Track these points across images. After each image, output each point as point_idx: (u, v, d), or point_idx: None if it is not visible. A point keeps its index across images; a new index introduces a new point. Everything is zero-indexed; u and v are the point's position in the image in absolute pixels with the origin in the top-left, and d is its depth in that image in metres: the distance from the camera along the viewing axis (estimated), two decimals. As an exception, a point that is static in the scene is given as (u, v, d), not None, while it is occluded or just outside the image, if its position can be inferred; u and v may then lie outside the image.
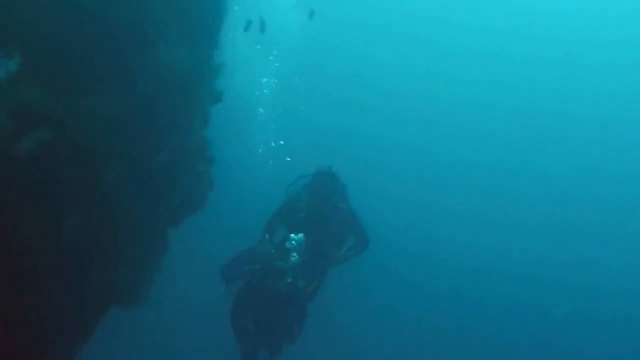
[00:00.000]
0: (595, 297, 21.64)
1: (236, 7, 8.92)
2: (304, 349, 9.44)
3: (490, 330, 19.42)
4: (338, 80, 28.39)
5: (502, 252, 23.01)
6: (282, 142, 15.85)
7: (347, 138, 25.60)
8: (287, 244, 8.63)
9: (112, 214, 6.79)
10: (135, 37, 6.65)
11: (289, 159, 15.09)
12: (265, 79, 15.89)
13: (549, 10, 29.71)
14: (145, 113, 6.88)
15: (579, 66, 29.35)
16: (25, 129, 5.77)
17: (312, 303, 9.02)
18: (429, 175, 26.41)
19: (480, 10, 30.24)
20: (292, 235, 8.66)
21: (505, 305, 20.81)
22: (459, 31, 30.72)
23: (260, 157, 16.49)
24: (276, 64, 15.64)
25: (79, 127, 6.27)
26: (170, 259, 8.66)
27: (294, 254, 8.45)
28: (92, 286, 7.05)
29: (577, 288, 21.60)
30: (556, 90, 29.28)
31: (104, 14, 6.29)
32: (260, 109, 16.11)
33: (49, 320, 6.64)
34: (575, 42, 29.80)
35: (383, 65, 30.01)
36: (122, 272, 7.43)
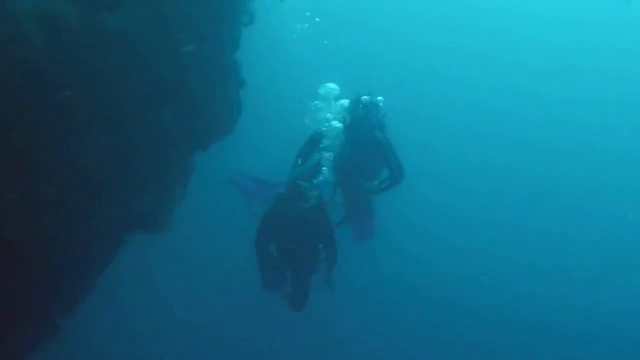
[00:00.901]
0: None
1: None
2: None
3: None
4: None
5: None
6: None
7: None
8: (314, 163, 8.55)
9: (137, 137, 6.53)
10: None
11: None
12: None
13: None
14: (175, 31, 6.51)
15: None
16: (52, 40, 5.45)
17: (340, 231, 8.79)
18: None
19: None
20: (324, 153, 8.54)
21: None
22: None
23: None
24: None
25: (104, 44, 5.96)
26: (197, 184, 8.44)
27: (320, 176, 8.32)
28: (117, 210, 6.87)
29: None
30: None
31: None
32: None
33: (74, 244, 6.54)
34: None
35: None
36: (148, 196, 7.25)
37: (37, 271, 6.33)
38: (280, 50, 19.98)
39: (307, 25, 18.85)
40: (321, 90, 8.98)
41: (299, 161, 8.71)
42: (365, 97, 8.67)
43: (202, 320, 16.26)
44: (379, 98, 8.81)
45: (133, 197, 6.95)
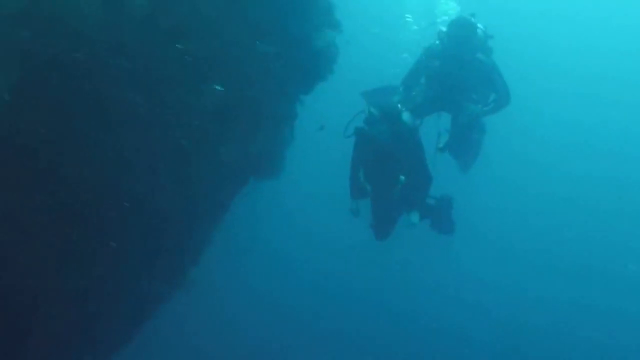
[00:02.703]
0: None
1: None
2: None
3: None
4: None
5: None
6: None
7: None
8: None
9: (246, 81, 6.87)
10: None
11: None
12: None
13: None
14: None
15: None
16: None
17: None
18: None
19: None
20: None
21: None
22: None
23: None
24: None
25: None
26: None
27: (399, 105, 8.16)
28: (228, 155, 7.25)
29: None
30: None
31: None
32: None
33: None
34: None
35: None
36: (259, 139, 7.61)
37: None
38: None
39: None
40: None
41: (401, 88, 8.73)
42: (464, 16, 8.55)
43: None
44: (481, 25, 8.62)
45: (247, 140, 7.29)
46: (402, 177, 8.10)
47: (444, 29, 8.61)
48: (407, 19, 9.19)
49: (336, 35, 8.28)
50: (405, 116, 7.99)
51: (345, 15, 7.95)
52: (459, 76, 8.52)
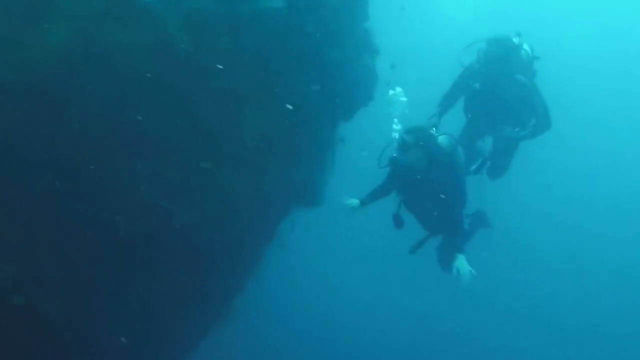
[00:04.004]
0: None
1: None
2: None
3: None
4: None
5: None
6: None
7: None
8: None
9: (286, 109, 6.96)
10: None
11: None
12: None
13: None
14: (310, 7, 6.86)
15: None
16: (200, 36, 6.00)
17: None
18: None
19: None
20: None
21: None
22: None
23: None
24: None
25: (248, 31, 6.42)
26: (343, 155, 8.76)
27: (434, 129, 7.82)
28: (273, 186, 7.33)
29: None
30: None
31: None
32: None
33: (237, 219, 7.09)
34: None
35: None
36: (299, 171, 7.66)
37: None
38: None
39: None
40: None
41: (438, 110, 8.52)
42: (503, 34, 8.28)
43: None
44: (527, 45, 8.35)
45: (289, 169, 7.37)
46: (442, 196, 7.72)
47: (483, 47, 8.34)
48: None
49: (375, 60, 8.40)
50: (442, 140, 7.69)
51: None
52: (498, 97, 8.26)
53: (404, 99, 8.28)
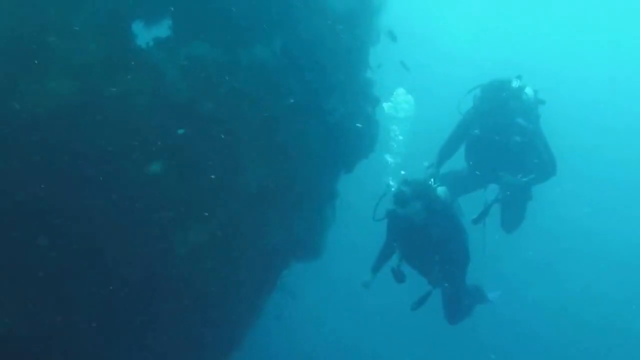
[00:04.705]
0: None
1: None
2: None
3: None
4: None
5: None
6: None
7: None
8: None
9: (288, 163, 6.88)
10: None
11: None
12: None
13: None
14: (310, 58, 6.86)
15: None
16: (200, 86, 5.98)
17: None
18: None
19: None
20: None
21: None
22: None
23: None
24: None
25: (247, 79, 6.40)
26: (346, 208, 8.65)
27: (432, 180, 7.68)
28: (270, 238, 7.21)
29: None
30: None
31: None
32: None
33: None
34: None
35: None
36: (299, 223, 7.55)
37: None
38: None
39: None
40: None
41: (435, 161, 8.37)
42: (499, 79, 8.08)
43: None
44: (529, 89, 8.07)
45: (289, 220, 7.26)
46: (437, 258, 7.64)
47: (478, 93, 8.22)
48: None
49: (376, 111, 8.37)
50: (441, 191, 7.52)
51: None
52: (498, 143, 8.04)
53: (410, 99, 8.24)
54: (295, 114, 6.98)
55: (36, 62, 5.16)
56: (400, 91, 8.67)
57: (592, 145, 25.25)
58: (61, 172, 5.37)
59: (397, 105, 8.83)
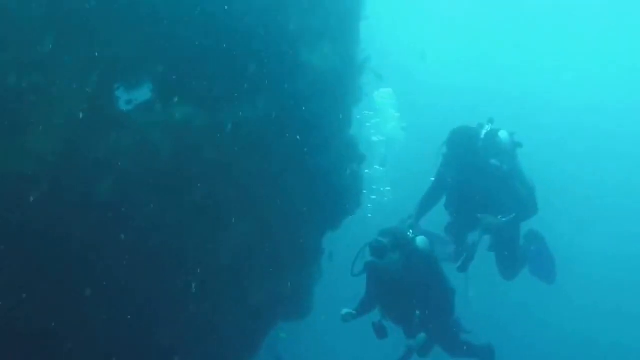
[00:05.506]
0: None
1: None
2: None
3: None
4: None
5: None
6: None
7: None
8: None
9: (273, 220, 6.85)
10: (277, 41, 6.72)
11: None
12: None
13: None
14: (295, 117, 6.92)
15: None
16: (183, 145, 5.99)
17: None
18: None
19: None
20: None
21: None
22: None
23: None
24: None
25: (230, 138, 6.42)
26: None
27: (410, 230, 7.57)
28: (255, 297, 7.14)
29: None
30: None
31: (243, 24, 6.38)
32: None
33: (219, 332, 6.86)
34: None
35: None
36: (283, 282, 7.49)
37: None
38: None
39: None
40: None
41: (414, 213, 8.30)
42: (464, 125, 8.12)
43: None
44: (504, 132, 8.09)
45: (273, 282, 7.20)
46: (417, 313, 7.39)
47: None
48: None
49: (360, 168, 8.40)
50: (420, 241, 7.40)
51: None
52: (474, 186, 7.98)
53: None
54: (280, 171, 7.02)
55: (15, 122, 5.16)
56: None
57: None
58: (41, 233, 5.32)
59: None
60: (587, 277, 21.96)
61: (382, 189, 13.67)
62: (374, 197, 8.52)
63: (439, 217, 8.54)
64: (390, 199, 13.81)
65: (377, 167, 12.44)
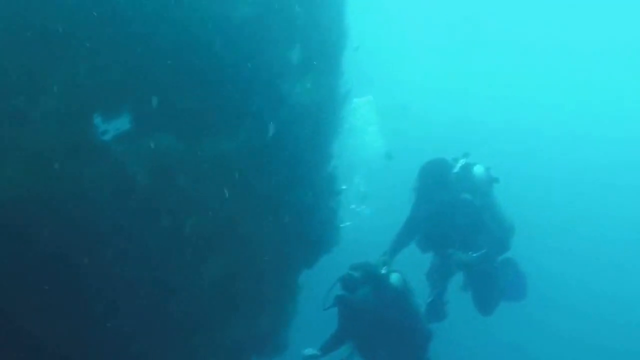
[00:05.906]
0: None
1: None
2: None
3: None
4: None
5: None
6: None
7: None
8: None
9: (248, 257, 6.76)
10: (259, 75, 6.68)
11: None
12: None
13: None
14: (276, 151, 6.86)
15: None
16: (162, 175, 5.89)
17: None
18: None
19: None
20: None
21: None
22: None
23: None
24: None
25: (211, 172, 6.33)
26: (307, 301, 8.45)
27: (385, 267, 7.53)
28: (231, 335, 7.00)
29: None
30: None
31: (225, 56, 6.33)
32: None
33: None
34: None
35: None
36: (260, 319, 7.37)
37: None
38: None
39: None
40: None
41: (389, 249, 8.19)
42: (436, 158, 8.10)
43: None
44: (478, 165, 8.04)
45: (249, 319, 7.07)
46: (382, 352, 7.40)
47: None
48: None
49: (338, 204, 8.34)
50: (393, 278, 7.37)
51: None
52: (445, 222, 7.97)
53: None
54: (258, 207, 6.93)
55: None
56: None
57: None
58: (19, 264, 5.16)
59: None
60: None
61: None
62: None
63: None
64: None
65: (353, 206, 12.28)
